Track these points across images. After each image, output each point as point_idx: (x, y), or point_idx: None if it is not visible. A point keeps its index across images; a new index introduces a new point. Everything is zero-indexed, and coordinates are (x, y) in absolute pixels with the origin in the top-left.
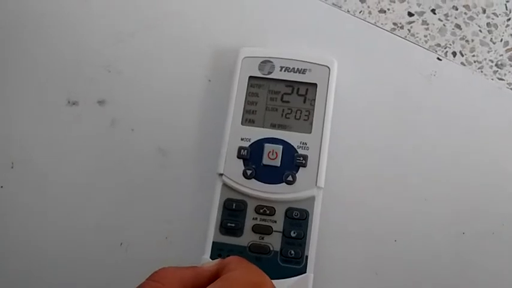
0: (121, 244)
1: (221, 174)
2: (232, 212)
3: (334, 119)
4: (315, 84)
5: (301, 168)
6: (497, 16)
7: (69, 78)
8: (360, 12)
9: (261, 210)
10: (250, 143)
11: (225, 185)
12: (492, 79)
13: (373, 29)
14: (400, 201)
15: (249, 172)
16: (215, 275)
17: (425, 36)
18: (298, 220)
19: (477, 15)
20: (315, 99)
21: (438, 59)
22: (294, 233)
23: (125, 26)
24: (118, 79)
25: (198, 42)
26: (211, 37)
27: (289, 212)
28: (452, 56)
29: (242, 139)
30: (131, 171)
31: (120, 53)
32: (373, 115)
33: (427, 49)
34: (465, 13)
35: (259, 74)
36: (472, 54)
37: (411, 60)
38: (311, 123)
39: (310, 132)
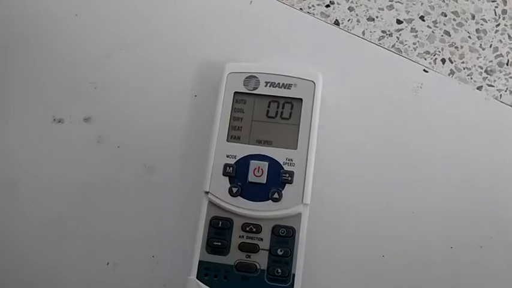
0: (108, 263)
1: (207, 192)
2: (219, 231)
3: (320, 134)
4: (300, 99)
5: (287, 185)
6: (487, 22)
7: (54, 95)
8: (349, 20)
9: (248, 228)
10: (235, 160)
11: (211, 202)
12: (481, 86)
13: (359, 42)
14: (387, 215)
15: (234, 190)
16: None
17: (414, 43)
18: (284, 237)
19: (466, 22)
20: (300, 115)
21: (424, 70)
22: (281, 251)
23: (111, 42)
24: (104, 96)
25: (185, 58)
26: (197, 52)
27: (275, 230)
28: (441, 63)
29: (228, 156)
30: (117, 188)
31: (107, 69)
32: (359, 129)
33: (413, 61)
34: (454, 19)
35: (244, 90)
36: (462, 60)
37: (397, 73)
38: (296, 139)
39: (296, 148)
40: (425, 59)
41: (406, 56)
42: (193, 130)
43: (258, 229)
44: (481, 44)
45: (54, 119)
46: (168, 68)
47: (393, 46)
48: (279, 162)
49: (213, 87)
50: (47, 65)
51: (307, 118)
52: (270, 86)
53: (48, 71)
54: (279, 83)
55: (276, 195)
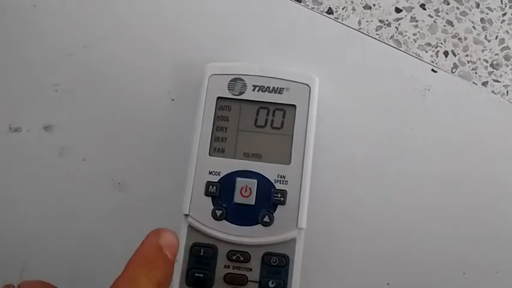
0: None
1: (187, 215)
2: (201, 259)
3: (317, 145)
4: (294, 106)
5: (279, 207)
6: (492, 11)
7: (9, 99)
8: (343, 8)
9: (234, 257)
10: (219, 178)
11: (191, 227)
12: (487, 81)
13: (359, 37)
14: (393, 239)
15: (218, 212)
16: None
17: (414, 34)
18: (277, 267)
19: (470, 10)
20: (293, 124)
21: (433, 70)
22: (273, 283)
23: (75, 37)
24: (67, 100)
25: (160, 56)
26: (175, 50)
27: (266, 258)
28: (444, 56)
29: (210, 173)
30: (83, 208)
31: (69, 68)
32: (361, 140)
33: (419, 58)
34: (457, 8)
35: (228, 95)
36: (465, 53)
37: (403, 74)
38: (290, 153)
39: (289, 163)
40: (426, 51)
41: (411, 53)
42: (170, 141)
43: (246, 258)
44: (486, 35)
45: (10, 128)
46: (141, 68)
47: (392, 37)
48: (269, 180)
49: (193, 91)
50: (0, 65)
51: (302, 127)
52: (258, 90)
53: (2, 71)
54: (268, 87)
55: (266, 219)
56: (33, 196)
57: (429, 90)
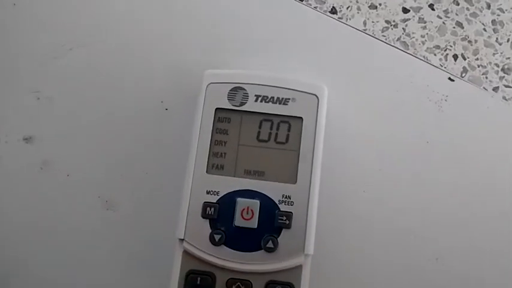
0: None
1: (182, 240)
2: None
3: (325, 162)
4: (300, 118)
5: (284, 231)
6: (504, 12)
7: None
8: (348, 8)
9: (234, 286)
10: (218, 198)
11: (187, 253)
12: (497, 87)
13: (370, 42)
14: (408, 264)
15: (217, 237)
16: None
17: (422, 36)
18: None
19: (481, 11)
20: (300, 138)
21: (450, 79)
22: None
23: (59, 39)
24: (49, 109)
25: (154, 61)
26: (169, 54)
27: (270, 287)
28: (453, 59)
29: (208, 192)
30: (66, 229)
31: (53, 74)
32: (372, 156)
33: (434, 65)
34: (467, 8)
35: (228, 106)
36: (476, 57)
37: (417, 82)
38: (296, 170)
39: (295, 182)
40: (435, 54)
41: (427, 60)
42: (164, 156)
43: (248, 286)
44: (497, 38)
45: None
46: (132, 74)
47: (398, 39)
48: (273, 201)
49: (189, 100)
50: None
51: (309, 142)
52: (261, 101)
53: None
54: (272, 97)
55: (270, 244)
56: (12, 214)
57: (446, 100)
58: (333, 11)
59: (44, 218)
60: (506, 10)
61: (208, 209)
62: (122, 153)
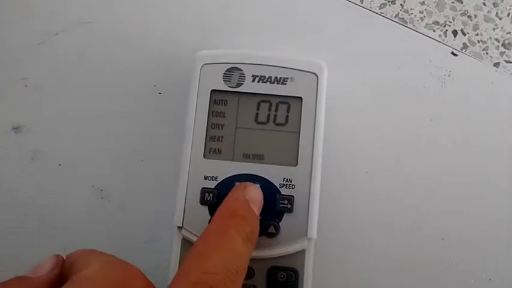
0: None
1: (180, 227)
2: None
3: (326, 143)
4: (300, 98)
5: (285, 215)
6: None
7: None
8: None
9: None
10: (216, 183)
11: (186, 240)
12: (498, 62)
13: (370, 17)
14: (412, 242)
15: None
16: (57, 283)
17: (421, 12)
18: (285, 283)
19: None
20: (300, 119)
21: (453, 54)
22: None
23: (45, 23)
24: (38, 96)
25: (145, 43)
26: (160, 35)
27: (272, 273)
28: (452, 35)
29: (206, 178)
30: (60, 219)
31: (40, 60)
32: (374, 134)
33: (439, 41)
34: None
35: (224, 87)
36: (476, 32)
37: (420, 58)
38: (296, 152)
39: (296, 165)
40: (434, 30)
41: (429, 35)
42: (159, 141)
43: (250, 273)
44: (497, 13)
45: None
46: (123, 58)
47: (397, 16)
48: (274, 185)
49: (183, 83)
50: None
51: (310, 123)
52: (258, 81)
53: None
54: (270, 77)
55: (271, 229)
56: (3, 207)
57: (449, 76)
58: None
59: (36, 209)
60: None
61: (206, 194)
62: (116, 140)
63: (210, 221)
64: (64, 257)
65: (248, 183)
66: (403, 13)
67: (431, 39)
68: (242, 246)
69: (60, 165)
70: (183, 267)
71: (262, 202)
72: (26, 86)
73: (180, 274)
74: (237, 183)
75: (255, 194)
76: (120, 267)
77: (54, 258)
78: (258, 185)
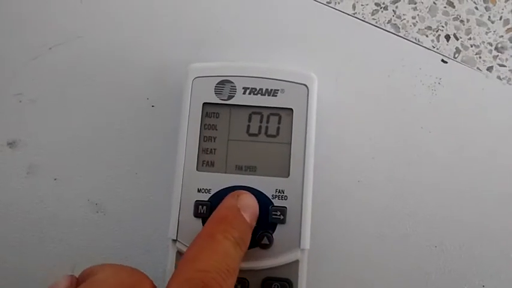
0: None
1: (175, 240)
2: None
3: (318, 153)
4: (291, 110)
5: (278, 226)
6: None
7: None
8: None
9: None
10: (210, 196)
11: (180, 253)
12: (492, 66)
13: (359, 26)
14: (405, 250)
15: None
16: None
17: (413, 17)
18: None
19: None
20: (291, 130)
21: (443, 61)
22: None
23: (39, 39)
24: (32, 111)
25: (138, 58)
26: (153, 48)
27: (266, 284)
28: (445, 40)
29: (199, 190)
30: (55, 233)
31: (34, 75)
32: (365, 144)
33: (429, 48)
34: None
35: (216, 100)
36: (468, 37)
37: (410, 66)
38: (288, 164)
39: (288, 176)
40: (426, 36)
41: (419, 43)
42: (152, 154)
43: (244, 285)
44: (489, 16)
45: None
46: (116, 71)
47: (389, 22)
48: (266, 196)
49: (176, 96)
50: None
51: (301, 134)
52: (249, 94)
53: None
54: (261, 89)
55: (265, 240)
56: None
57: (439, 83)
58: None
59: (32, 223)
60: None
61: (200, 207)
62: (110, 153)
63: None
64: (77, 277)
65: (242, 191)
66: (396, 19)
67: (422, 47)
68: (231, 249)
69: (55, 179)
70: (176, 270)
71: (257, 210)
72: (20, 101)
73: (173, 276)
74: (229, 194)
75: (247, 202)
76: (131, 272)
77: (69, 278)
78: (251, 195)
